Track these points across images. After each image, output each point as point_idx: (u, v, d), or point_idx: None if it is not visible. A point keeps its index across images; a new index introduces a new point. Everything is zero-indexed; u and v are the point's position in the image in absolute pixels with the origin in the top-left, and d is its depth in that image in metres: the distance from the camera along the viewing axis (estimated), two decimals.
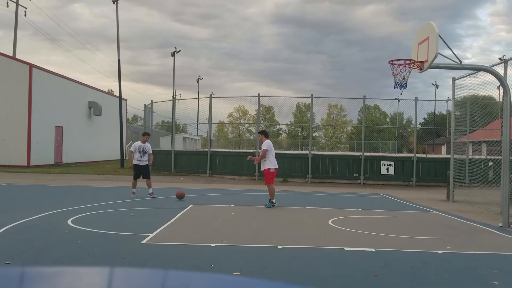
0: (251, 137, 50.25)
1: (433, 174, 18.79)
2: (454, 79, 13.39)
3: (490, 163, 16.38)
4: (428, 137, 44.25)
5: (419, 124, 29.17)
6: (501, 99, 11.53)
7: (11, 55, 28.73)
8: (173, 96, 48.62)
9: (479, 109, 18.71)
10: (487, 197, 11.87)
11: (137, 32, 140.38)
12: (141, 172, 11.63)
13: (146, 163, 11.69)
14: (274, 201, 10.46)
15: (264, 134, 11.18)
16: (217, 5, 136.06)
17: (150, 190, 11.65)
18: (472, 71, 11.34)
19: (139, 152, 11.58)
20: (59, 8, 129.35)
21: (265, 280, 1.66)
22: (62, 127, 26.30)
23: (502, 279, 4.96)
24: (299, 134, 61.64)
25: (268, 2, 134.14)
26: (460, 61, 9.01)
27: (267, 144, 10.73)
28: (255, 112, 22.11)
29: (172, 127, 25.67)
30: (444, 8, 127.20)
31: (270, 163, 10.60)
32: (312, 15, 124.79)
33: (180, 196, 11.25)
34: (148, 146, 11.77)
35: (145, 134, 12.08)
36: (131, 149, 11.78)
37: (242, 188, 15.47)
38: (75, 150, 27.92)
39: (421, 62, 9.11)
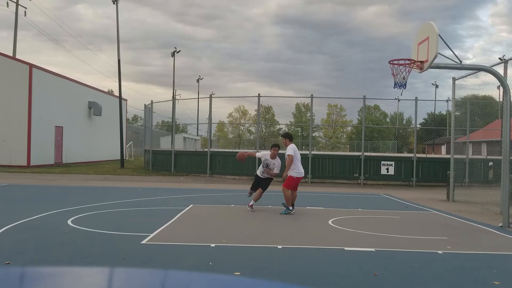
0: (251, 137, 50.28)
1: (433, 174, 18.79)
2: (454, 79, 13.39)
3: (490, 163, 16.38)
4: (428, 137, 44.25)
5: (419, 124, 29.17)
6: (501, 99, 11.52)
7: (12, 55, 28.74)
8: (173, 96, 48.64)
9: (479, 109, 18.72)
10: (487, 197, 11.87)
11: (140, 33, 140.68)
12: (260, 183, 9.82)
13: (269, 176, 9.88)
14: (291, 208, 9.33)
15: (289, 137, 9.77)
16: (220, 6, 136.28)
17: (251, 202, 9.78)
18: (472, 71, 11.34)
19: (263, 166, 9.73)
20: (62, 9, 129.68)
21: (265, 280, 1.66)
22: (62, 127, 26.30)
23: (502, 279, 4.96)
24: (299, 134, 61.61)
25: (271, 3, 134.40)
26: (460, 61, 9.01)
27: (291, 149, 9.44)
28: (255, 112, 22.12)
29: (172, 127, 25.67)
30: (445, 9, 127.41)
31: (292, 171, 9.38)
32: (314, 16, 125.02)
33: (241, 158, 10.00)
34: (276, 164, 9.65)
35: (275, 146, 9.74)
36: (257, 154, 10.21)
37: (242, 188, 15.46)
38: (75, 150, 27.92)
39: (421, 62, 9.10)
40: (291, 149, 9.45)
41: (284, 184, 9.46)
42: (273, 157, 9.61)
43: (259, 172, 9.87)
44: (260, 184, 9.76)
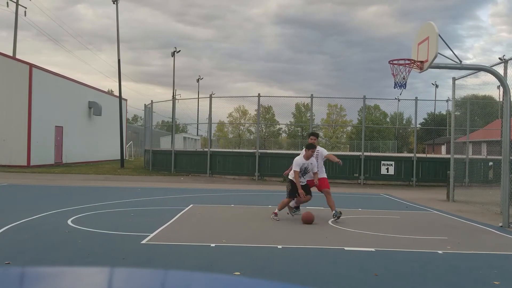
0: (251, 137, 50.28)
1: (433, 174, 18.79)
2: (454, 79, 13.39)
3: (490, 163, 16.38)
4: (428, 137, 44.24)
5: (419, 124, 29.16)
6: (501, 99, 11.53)
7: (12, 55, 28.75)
8: (173, 96, 48.65)
9: (479, 109, 18.72)
10: (487, 197, 11.87)
11: (140, 33, 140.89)
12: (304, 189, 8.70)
13: (305, 182, 8.78)
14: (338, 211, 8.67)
15: (318, 137, 9.56)
16: (220, 6, 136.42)
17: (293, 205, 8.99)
18: (472, 71, 11.33)
19: (301, 171, 8.61)
20: (62, 9, 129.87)
21: (265, 280, 1.66)
22: (62, 127, 26.30)
23: (502, 279, 4.96)
24: (299, 134, 61.58)
25: (271, 3, 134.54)
26: (460, 61, 9.01)
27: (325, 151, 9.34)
28: (255, 112, 22.13)
29: (172, 127, 25.68)
30: (445, 9, 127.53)
31: (324, 172, 9.23)
32: (314, 16, 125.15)
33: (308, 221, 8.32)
34: (314, 163, 8.65)
35: (312, 147, 8.64)
36: (295, 169, 8.55)
37: (242, 188, 15.47)
38: (75, 150, 27.91)
39: (421, 62, 9.10)
40: (326, 151, 9.29)
41: (328, 186, 9.03)
42: (307, 157, 8.61)
43: (291, 177, 8.69)
44: (305, 190, 8.67)
